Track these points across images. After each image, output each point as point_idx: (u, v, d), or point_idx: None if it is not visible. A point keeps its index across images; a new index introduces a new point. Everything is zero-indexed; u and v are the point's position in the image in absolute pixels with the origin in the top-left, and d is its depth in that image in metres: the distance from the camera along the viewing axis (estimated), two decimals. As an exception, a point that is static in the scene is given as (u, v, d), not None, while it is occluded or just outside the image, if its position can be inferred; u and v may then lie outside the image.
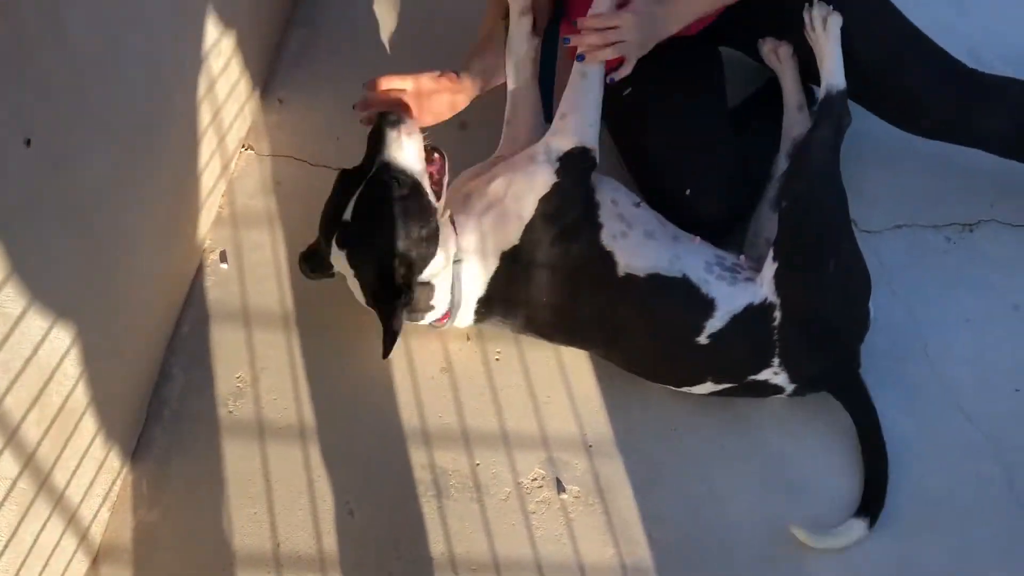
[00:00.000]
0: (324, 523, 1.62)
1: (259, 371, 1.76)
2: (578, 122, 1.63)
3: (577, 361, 1.78)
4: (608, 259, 1.62)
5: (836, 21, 1.75)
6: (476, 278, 1.63)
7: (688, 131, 1.82)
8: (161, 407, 1.72)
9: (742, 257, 1.71)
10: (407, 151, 1.56)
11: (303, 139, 2.01)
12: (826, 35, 1.75)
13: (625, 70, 1.67)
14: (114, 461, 1.61)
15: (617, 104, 1.84)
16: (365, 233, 1.54)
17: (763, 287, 1.63)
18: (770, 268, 1.63)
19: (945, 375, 1.78)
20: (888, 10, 1.83)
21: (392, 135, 1.55)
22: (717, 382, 1.66)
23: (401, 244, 1.52)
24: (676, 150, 1.80)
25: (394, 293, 1.53)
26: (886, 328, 1.78)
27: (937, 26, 1.88)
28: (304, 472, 1.66)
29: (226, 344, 1.79)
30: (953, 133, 1.85)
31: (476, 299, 1.65)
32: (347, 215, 1.55)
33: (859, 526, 1.60)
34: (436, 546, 1.60)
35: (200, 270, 1.86)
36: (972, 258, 1.93)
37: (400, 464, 1.67)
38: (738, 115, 1.98)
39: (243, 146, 2.01)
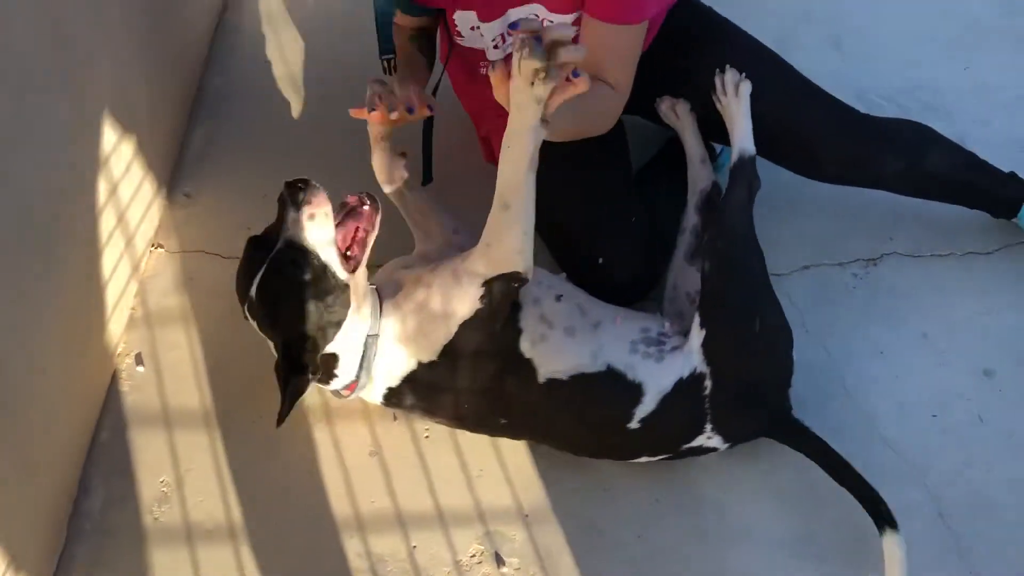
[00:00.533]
0: (262, 625, 1.58)
1: (184, 473, 1.72)
2: (503, 252, 1.53)
3: (506, 431, 1.78)
4: (528, 367, 1.59)
5: (747, 88, 1.81)
6: (390, 366, 1.62)
7: (597, 202, 1.85)
8: (82, 522, 1.66)
9: (667, 324, 1.71)
10: (311, 232, 1.52)
11: (213, 233, 2.00)
12: (737, 101, 1.80)
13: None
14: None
15: None
16: (268, 312, 1.54)
17: (692, 356, 1.63)
18: (698, 336, 1.63)
19: (865, 407, 1.83)
20: (780, 66, 1.91)
21: (292, 216, 1.52)
22: (653, 455, 1.67)
23: (301, 326, 1.52)
24: (586, 222, 1.83)
25: (295, 368, 1.53)
26: (804, 368, 1.81)
27: (824, 72, 1.97)
28: (237, 573, 1.61)
29: (147, 449, 1.75)
30: (853, 177, 1.93)
31: (385, 387, 1.64)
32: (252, 291, 1.54)
33: (892, 538, 1.57)
34: (379, 636, 1.57)
35: (115, 376, 1.82)
36: (878, 291, 2.00)
37: (335, 555, 1.64)
38: (643, 178, 2.03)
39: (153, 245, 1.98)
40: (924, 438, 1.80)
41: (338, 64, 2.26)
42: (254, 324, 1.57)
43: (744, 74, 1.83)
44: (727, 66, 1.82)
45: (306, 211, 1.51)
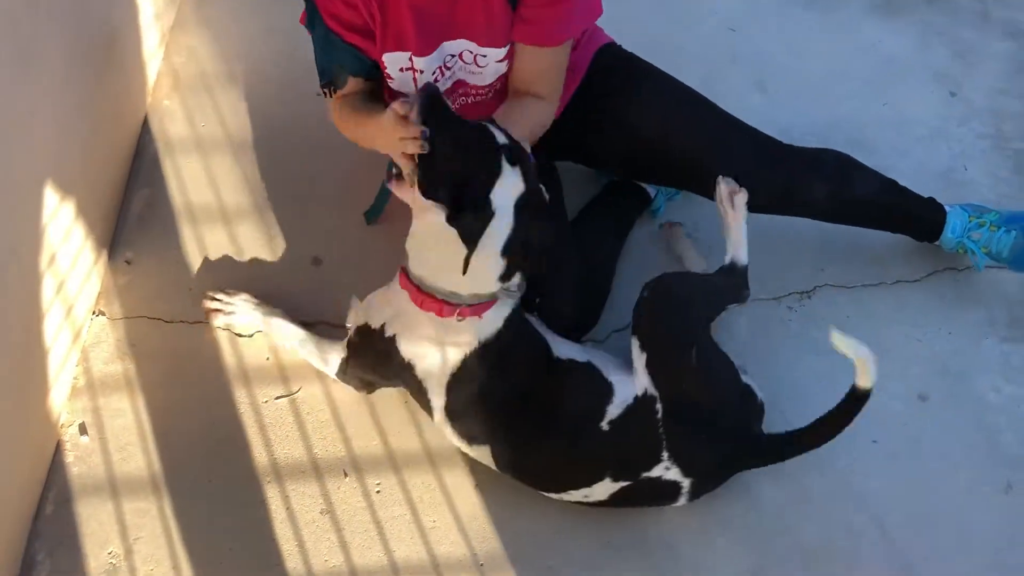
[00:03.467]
0: None
1: (132, 542, 1.70)
2: None
3: (459, 480, 1.79)
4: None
5: (742, 198, 1.86)
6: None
7: None
8: (28, 599, 1.63)
9: None
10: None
11: (154, 297, 1.99)
12: (735, 213, 1.86)
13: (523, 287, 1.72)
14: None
15: None
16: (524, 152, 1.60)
17: (641, 377, 1.69)
18: (640, 358, 1.69)
19: (806, 437, 1.87)
20: (704, 105, 1.97)
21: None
22: (615, 479, 1.67)
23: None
24: None
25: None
26: (745, 401, 1.86)
27: (749, 111, 2.04)
28: (190, 643, 1.60)
29: (94, 519, 1.72)
30: (781, 206, 1.99)
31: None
32: (501, 139, 1.58)
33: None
34: None
35: (59, 447, 1.80)
36: (814, 323, 2.05)
37: (290, 616, 1.63)
38: (579, 223, 2.07)
39: (94, 312, 1.97)
40: (866, 463, 1.86)
41: (274, 126, 2.27)
42: (516, 176, 1.57)
43: (652, 103, 1.90)
44: (720, 177, 1.87)
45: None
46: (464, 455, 1.79)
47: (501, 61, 1.76)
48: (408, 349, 1.67)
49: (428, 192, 1.54)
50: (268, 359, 1.92)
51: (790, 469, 1.78)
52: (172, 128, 2.26)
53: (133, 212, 2.13)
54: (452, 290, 1.61)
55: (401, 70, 1.76)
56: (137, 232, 2.10)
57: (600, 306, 1.97)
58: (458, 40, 1.72)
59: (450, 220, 1.53)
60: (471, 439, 1.70)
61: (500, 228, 1.56)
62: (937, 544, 1.77)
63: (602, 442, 1.67)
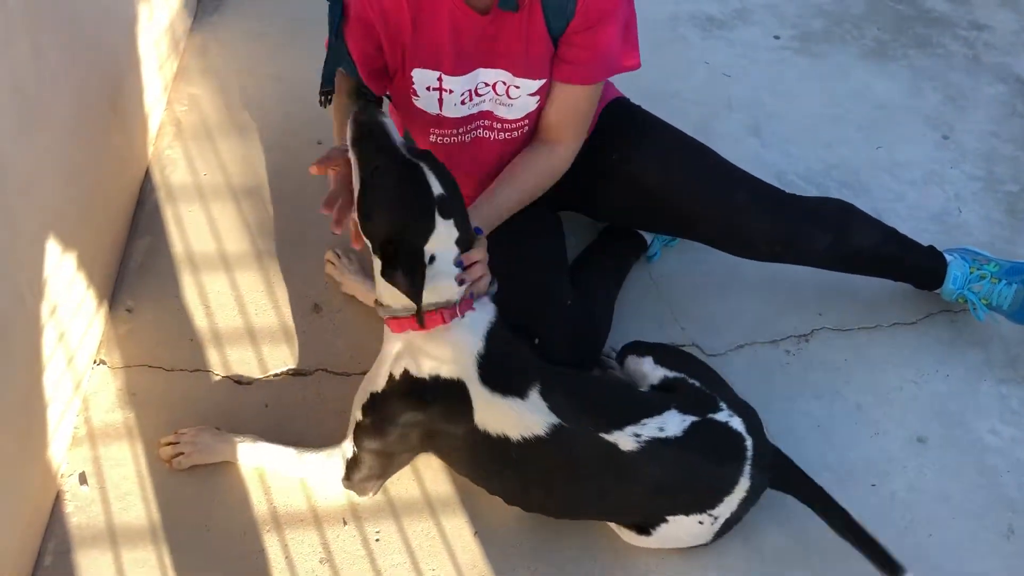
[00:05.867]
0: None
1: (131, 593, 1.69)
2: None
3: (458, 529, 1.78)
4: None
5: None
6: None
7: (533, 288, 1.90)
8: (26, 652, 1.62)
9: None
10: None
11: (155, 345, 2.00)
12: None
13: (494, 286, 1.71)
14: None
15: None
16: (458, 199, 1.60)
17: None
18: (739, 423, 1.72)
19: (806, 481, 1.87)
20: (706, 155, 1.99)
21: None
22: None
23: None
24: (525, 308, 1.86)
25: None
26: (744, 446, 1.87)
27: (745, 157, 2.07)
28: None
29: (93, 570, 1.71)
30: (785, 255, 2.01)
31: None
32: (436, 190, 1.55)
33: None
34: None
35: (59, 497, 1.80)
36: (812, 366, 2.07)
37: (290, 667, 1.62)
38: (578, 267, 2.09)
39: (95, 362, 1.98)
40: (865, 507, 1.84)
41: (276, 172, 2.30)
42: (451, 228, 1.56)
43: (656, 156, 1.94)
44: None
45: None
46: (463, 502, 1.79)
47: (533, 95, 1.80)
48: (428, 365, 1.63)
49: (365, 234, 1.58)
50: (267, 406, 1.93)
51: (790, 511, 1.77)
52: (174, 176, 2.29)
53: (134, 260, 2.15)
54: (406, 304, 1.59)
55: (429, 89, 1.78)
56: (138, 280, 2.11)
57: (597, 350, 1.98)
58: (495, 69, 1.76)
59: (384, 275, 1.55)
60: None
61: (439, 279, 1.57)
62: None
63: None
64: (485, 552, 1.76)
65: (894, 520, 1.85)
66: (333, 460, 1.75)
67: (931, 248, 2.07)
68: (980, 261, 2.06)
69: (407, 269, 1.53)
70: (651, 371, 1.80)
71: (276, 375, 1.97)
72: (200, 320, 2.03)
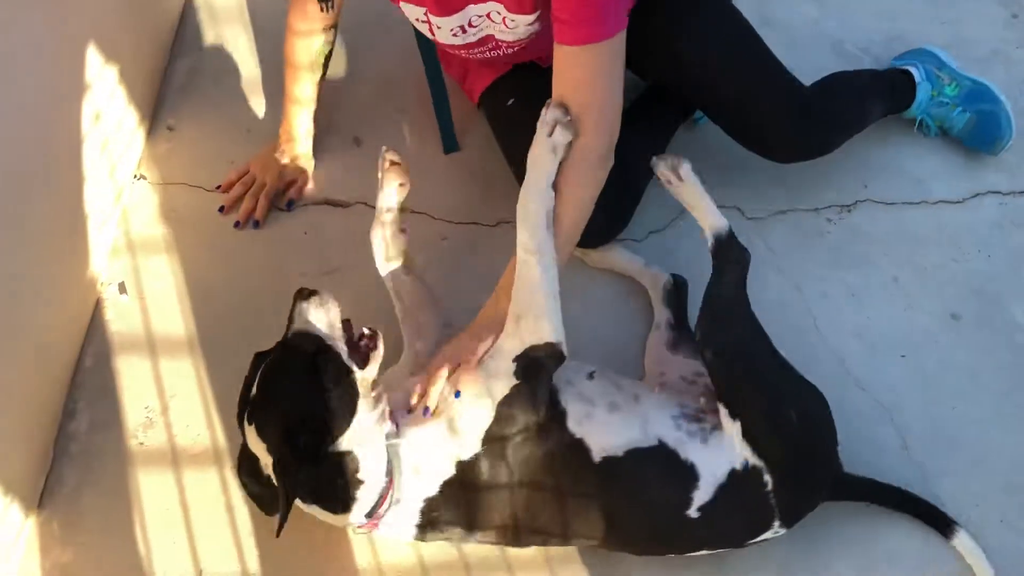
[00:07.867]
0: (246, 546, 1.61)
1: (168, 399, 1.74)
2: (534, 323, 1.47)
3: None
4: (580, 448, 1.48)
5: (687, 167, 1.65)
6: (424, 469, 1.45)
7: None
8: (68, 444, 1.68)
9: (702, 399, 1.61)
10: (317, 315, 1.43)
11: (195, 165, 2.00)
12: (685, 184, 1.65)
13: None
14: (17, 510, 1.56)
15: (501, 114, 1.89)
16: (269, 402, 1.38)
17: (735, 446, 1.52)
18: (732, 426, 1.53)
19: (836, 347, 1.88)
20: (749, 46, 1.89)
21: (302, 306, 1.44)
22: (713, 549, 1.57)
23: (306, 407, 1.36)
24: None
25: (299, 460, 1.34)
26: (778, 307, 1.87)
27: (802, 23, 1.99)
28: (222, 495, 1.64)
29: (131, 375, 1.76)
30: (804, 160, 1.97)
31: (423, 499, 1.45)
32: (254, 391, 1.40)
33: (961, 535, 1.65)
34: None
35: (99, 304, 1.83)
36: (852, 236, 2.04)
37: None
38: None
39: (135, 176, 1.98)
40: (893, 378, 1.86)
41: None
42: (253, 435, 1.38)
43: (698, 32, 1.82)
44: (655, 158, 1.69)
45: (314, 300, 1.45)
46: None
47: (532, 24, 1.69)
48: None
49: None
50: (305, 233, 1.93)
51: (818, 376, 1.76)
52: (218, -1, 2.24)
53: (176, 79, 2.12)
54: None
55: (418, 20, 1.71)
56: (180, 99, 2.09)
57: (632, 206, 1.93)
58: (487, 3, 1.64)
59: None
60: None
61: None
62: (954, 462, 1.78)
63: (695, 527, 1.51)
64: None
65: (919, 392, 1.85)
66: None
67: (903, 72, 2.13)
68: (942, 81, 2.13)
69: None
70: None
71: (315, 203, 1.97)
72: (241, 142, 2.02)
